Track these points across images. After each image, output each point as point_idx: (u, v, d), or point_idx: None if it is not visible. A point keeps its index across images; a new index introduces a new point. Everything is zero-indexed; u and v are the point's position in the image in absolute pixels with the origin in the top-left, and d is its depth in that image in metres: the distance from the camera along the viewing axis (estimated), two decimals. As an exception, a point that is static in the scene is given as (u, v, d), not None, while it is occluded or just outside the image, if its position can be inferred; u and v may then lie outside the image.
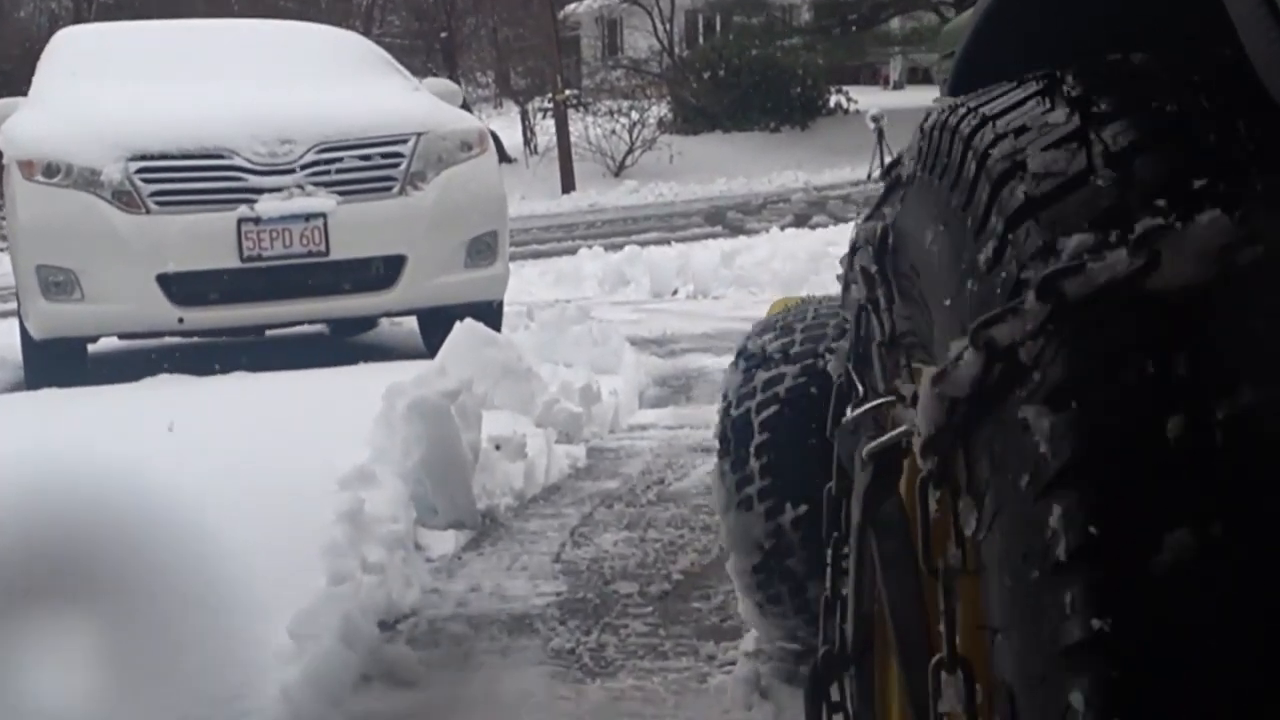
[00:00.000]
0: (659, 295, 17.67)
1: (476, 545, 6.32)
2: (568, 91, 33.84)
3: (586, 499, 7.15)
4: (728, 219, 26.57)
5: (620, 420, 9.12)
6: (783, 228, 23.31)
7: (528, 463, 7.24)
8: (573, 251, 21.36)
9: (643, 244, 21.96)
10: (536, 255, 22.31)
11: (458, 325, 8.66)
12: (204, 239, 10.54)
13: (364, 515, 5.68)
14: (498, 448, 7.14)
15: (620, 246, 21.03)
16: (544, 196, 30.88)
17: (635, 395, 9.91)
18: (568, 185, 31.95)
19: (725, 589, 5.35)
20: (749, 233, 23.45)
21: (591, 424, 8.70)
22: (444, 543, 6.20)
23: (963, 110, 1.82)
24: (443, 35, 38.87)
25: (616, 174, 33.36)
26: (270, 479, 5.95)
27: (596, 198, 30.74)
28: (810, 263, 17.14)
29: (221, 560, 4.79)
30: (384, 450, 6.44)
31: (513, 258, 20.96)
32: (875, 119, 21.61)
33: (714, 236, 23.49)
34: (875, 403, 2.19)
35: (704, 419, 9.09)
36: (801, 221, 25.01)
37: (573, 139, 32.50)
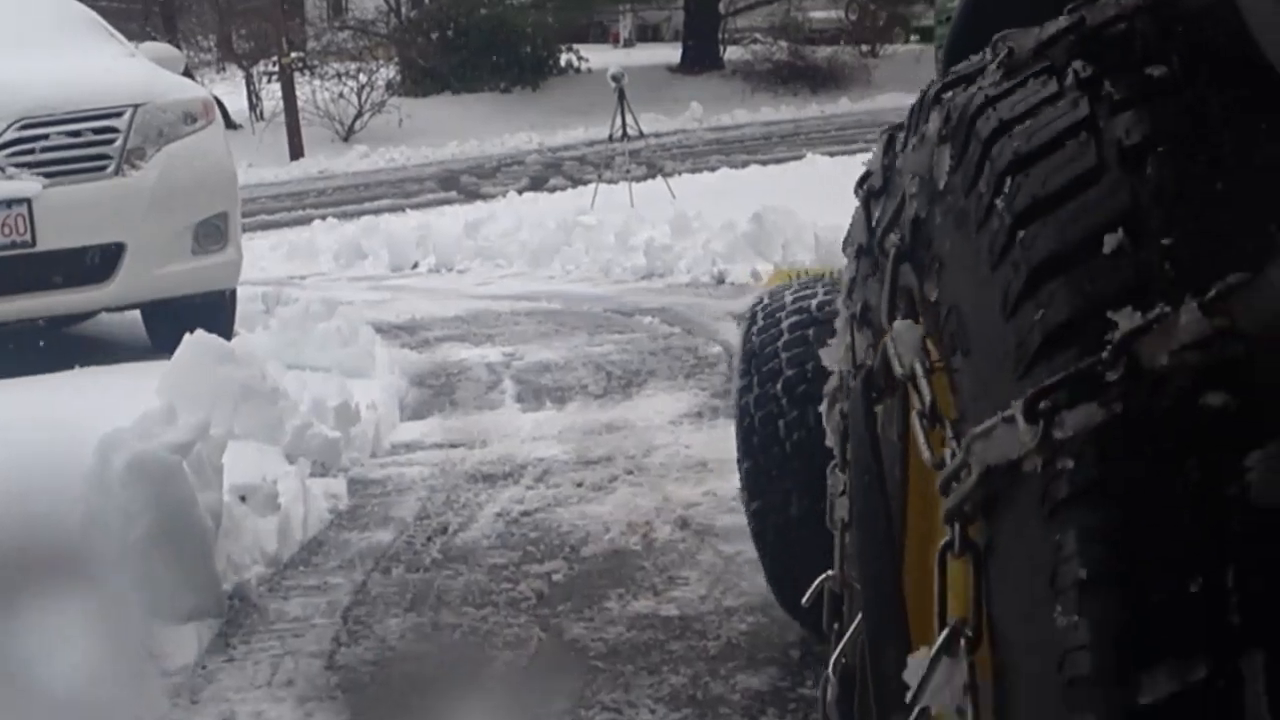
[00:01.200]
0: (399, 269, 16.36)
1: (225, 644, 4.83)
2: (293, 54, 31.93)
3: (356, 559, 5.72)
4: (462, 183, 25.36)
5: (382, 439, 7.69)
6: (519, 191, 22.30)
7: (281, 515, 5.77)
8: (305, 222, 19.95)
9: (376, 211, 20.76)
10: (266, 226, 20.79)
11: (186, 340, 7.09)
12: (-117, 234, 8.82)
13: (75, 614, 4.18)
14: (243, 499, 5.64)
15: (354, 215, 19.77)
16: (272, 164, 29.12)
17: (395, 404, 8.47)
18: (296, 152, 30.13)
19: (557, 706, 4.01)
20: (485, 197, 22.31)
21: (350, 448, 7.25)
22: (184, 645, 4.70)
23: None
24: (160, -3, 36.84)
25: (346, 139, 31.62)
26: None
27: (326, 164, 29.10)
28: (560, 232, 15.84)
29: None
30: (98, 520, 4.92)
31: (242, 230, 19.52)
32: (615, 78, 20.25)
33: (449, 203, 22.31)
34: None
35: (475, 433, 7.71)
36: (538, 184, 23.93)
37: (300, 103, 30.67)
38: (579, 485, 6.62)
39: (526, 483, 6.75)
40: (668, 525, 5.86)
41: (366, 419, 7.62)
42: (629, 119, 20.07)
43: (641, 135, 20.56)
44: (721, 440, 7.19)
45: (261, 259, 17.78)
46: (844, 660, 2.31)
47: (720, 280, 13.24)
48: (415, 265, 16.42)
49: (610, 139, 20.66)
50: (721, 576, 5.21)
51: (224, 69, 37.80)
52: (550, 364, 9.67)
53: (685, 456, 7.04)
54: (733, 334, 10.37)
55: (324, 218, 19.73)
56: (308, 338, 8.97)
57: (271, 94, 31.80)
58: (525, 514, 6.21)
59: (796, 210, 13.98)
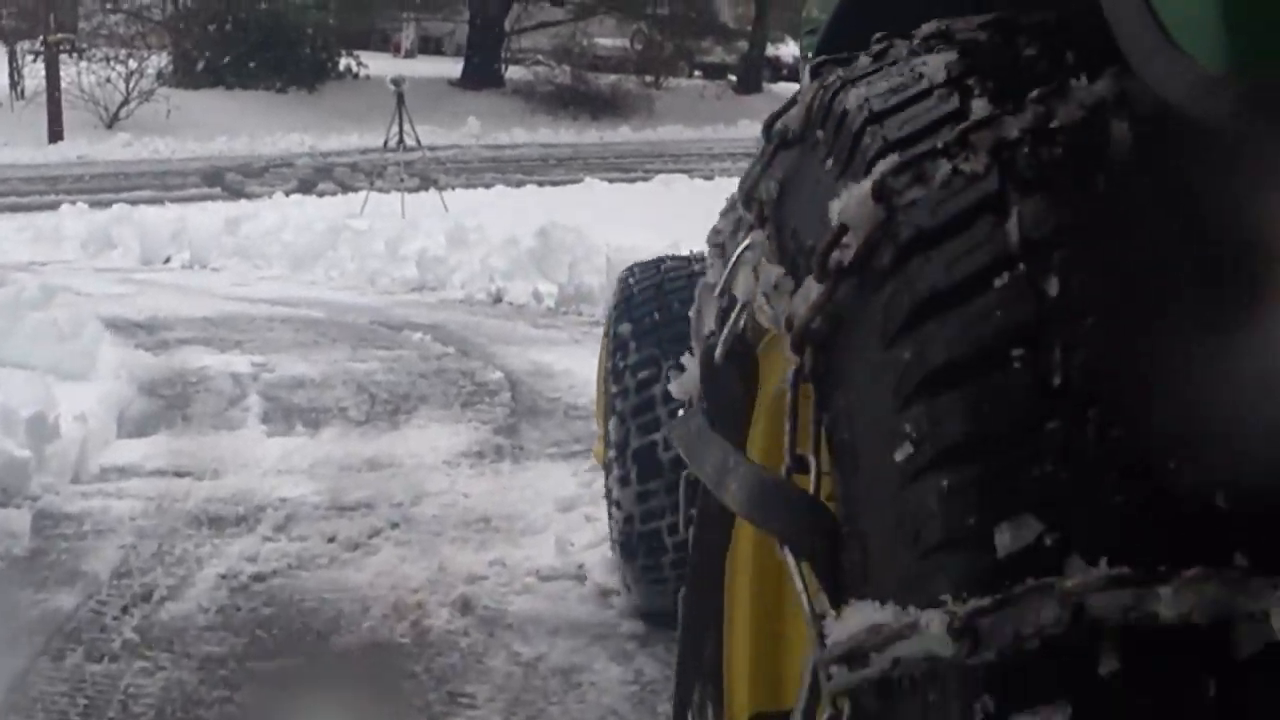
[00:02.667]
0: (150, 263, 14.82)
1: None
2: (61, 35, 29.58)
3: (22, 635, 4.08)
4: (227, 181, 23.47)
5: (89, 460, 6.04)
6: (286, 193, 20.61)
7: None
8: (55, 207, 17.90)
9: (135, 202, 18.67)
10: (15, 209, 18.97)
11: None
12: None
13: None
14: None
15: (109, 205, 17.87)
16: (29, 145, 26.87)
17: (113, 416, 6.80)
18: (55, 134, 27.82)
19: None
20: (249, 196, 20.63)
21: (44, 471, 5.60)
22: None
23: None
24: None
25: (110, 125, 29.34)
26: None
27: (87, 149, 26.91)
28: (328, 236, 14.28)
29: None
30: None
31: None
32: (395, 82, 18.76)
33: (212, 199, 20.48)
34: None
35: (207, 459, 6.11)
36: (307, 188, 22.24)
37: (64, 85, 28.36)
38: (331, 540, 5.08)
39: (264, 531, 5.19)
40: (445, 608, 4.35)
41: (71, 434, 5.98)
42: (407, 127, 18.62)
43: (420, 146, 19.10)
44: (507, 490, 5.71)
45: (3, 241, 16.09)
46: None
47: (498, 298, 11.75)
48: (168, 260, 14.84)
49: (385, 146, 19.14)
50: (521, 696, 3.71)
51: (-10, 45, 35.26)
52: (305, 379, 8.09)
53: (464, 509, 5.54)
54: (512, 360, 8.91)
55: (74, 204, 17.80)
56: (17, 327, 7.28)
57: (35, 73, 29.44)
58: (258, 578, 4.65)
59: (584, 229, 12.57)
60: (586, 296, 11.16)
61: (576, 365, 8.62)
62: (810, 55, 2.43)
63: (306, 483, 5.86)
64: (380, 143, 19.31)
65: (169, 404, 7.42)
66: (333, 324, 10.33)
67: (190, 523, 5.26)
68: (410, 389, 7.85)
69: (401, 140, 18.62)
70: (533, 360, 8.86)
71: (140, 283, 13.04)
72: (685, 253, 5.14)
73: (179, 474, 5.99)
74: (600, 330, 5.25)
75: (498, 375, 8.26)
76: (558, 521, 5.30)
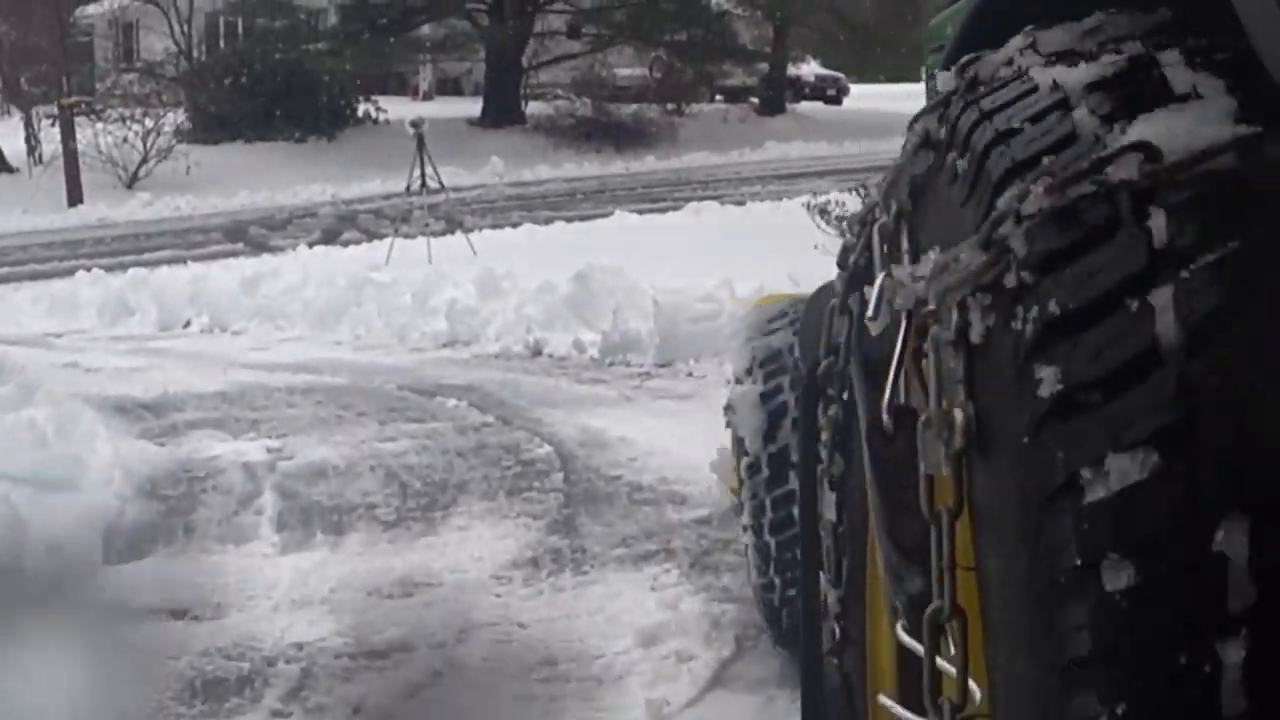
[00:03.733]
0: (168, 328, 13.81)
1: None
2: (75, 97, 28.50)
3: None
4: (250, 235, 22.47)
5: (60, 602, 4.84)
6: (310, 245, 19.66)
7: None
8: (74, 273, 16.94)
9: (155, 263, 17.94)
10: (35, 277, 18.12)
11: None
12: None
13: None
14: None
15: (130, 266, 16.95)
16: (49, 210, 25.86)
17: (99, 537, 5.60)
18: (75, 198, 26.76)
19: None
20: (273, 250, 19.72)
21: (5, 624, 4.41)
22: None
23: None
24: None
25: (129, 185, 28.27)
26: None
27: (107, 211, 25.85)
28: (351, 291, 13.13)
29: None
30: None
31: (7, 280, 16.58)
32: (415, 124, 17.76)
33: (235, 255, 19.60)
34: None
35: (208, 590, 4.95)
36: (331, 238, 21.30)
37: (81, 147, 27.29)
38: (356, 712, 3.87)
39: (272, 702, 3.98)
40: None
41: (39, 569, 4.80)
42: (429, 169, 17.61)
43: (442, 188, 18.09)
44: (573, 617, 4.50)
45: (19, 313, 15.22)
46: None
47: (537, 351, 10.56)
48: (188, 324, 13.84)
49: (408, 190, 18.14)
50: None
51: (9, 111, 34.17)
52: (326, 467, 6.89)
53: (522, 645, 4.33)
54: (560, 428, 7.72)
55: (92, 269, 16.73)
56: (-9, 433, 6.11)
57: (52, 138, 28.39)
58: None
59: (625, 268, 11.35)
60: (634, 344, 9.95)
61: (633, 431, 7.42)
62: (935, 73, 2.40)
63: (326, 620, 4.64)
64: (403, 187, 18.25)
65: (170, 510, 6.23)
66: (358, 392, 9.16)
67: (180, 693, 4.05)
68: (447, 473, 6.65)
69: (424, 183, 17.67)
70: (582, 426, 7.65)
71: (154, 352, 11.93)
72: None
73: (174, 613, 4.79)
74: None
75: (545, 450, 7.06)
76: (641, 664, 4.09)
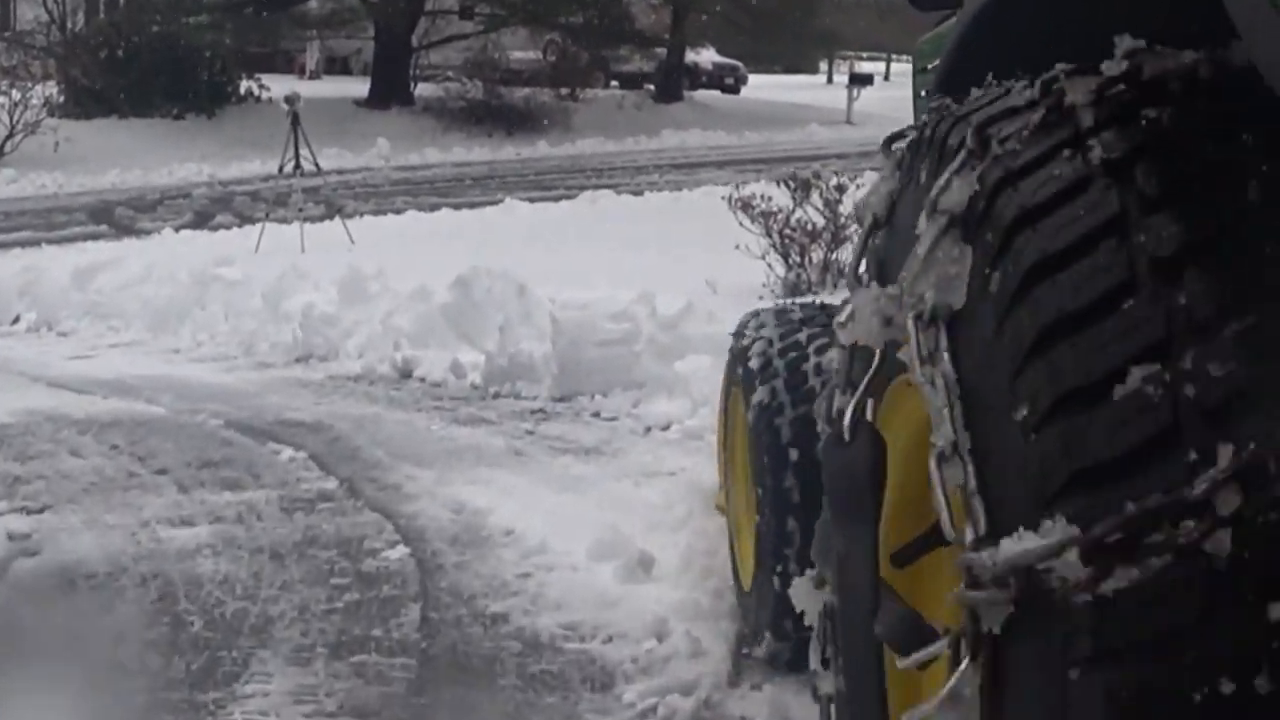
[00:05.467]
0: None
1: None
2: (-63, 66, 25.58)
3: None
4: (116, 216, 19.87)
5: None
6: (178, 229, 17.38)
7: None
8: (-78, 257, 14.47)
9: (11, 245, 15.91)
10: None
11: None
12: None
13: None
14: None
15: (-17, 249, 14.38)
16: (-97, 185, 23.03)
17: None
18: (-68, 173, 23.92)
19: None
20: (139, 233, 17.50)
21: None
22: None
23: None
24: None
25: (-7, 161, 25.46)
26: None
27: (-35, 188, 23.06)
28: (196, 288, 10.68)
29: None
30: None
31: None
32: (289, 100, 15.61)
33: (97, 237, 17.31)
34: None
35: None
36: (202, 220, 18.91)
37: (-59, 120, 24.45)
38: None
39: None
40: None
41: None
42: (304, 150, 15.26)
43: (318, 169, 15.71)
44: None
45: None
46: None
47: (406, 373, 8.19)
48: (16, 320, 11.49)
49: (280, 171, 15.76)
50: None
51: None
52: (77, 575, 4.50)
53: None
54: (425, 506, 5.37)
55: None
56: None
57: (-88, 110, 25.46)
58: None
59: (515, 270, 8.94)
60: (525, 371, 7.58)
61: (524, 516, 5.03)
62: (924, 94, 2.53)
63: None
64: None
65: None
66: (172, 432, 6.75)
67: None
68: (247, 600, 4.27)
69: (298, 164, 15.27)
70: (456, 504, 5.28)
71: (-33, 357, 9.49)
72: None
73: None
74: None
75: (399, 555, 4.68)
76: None
